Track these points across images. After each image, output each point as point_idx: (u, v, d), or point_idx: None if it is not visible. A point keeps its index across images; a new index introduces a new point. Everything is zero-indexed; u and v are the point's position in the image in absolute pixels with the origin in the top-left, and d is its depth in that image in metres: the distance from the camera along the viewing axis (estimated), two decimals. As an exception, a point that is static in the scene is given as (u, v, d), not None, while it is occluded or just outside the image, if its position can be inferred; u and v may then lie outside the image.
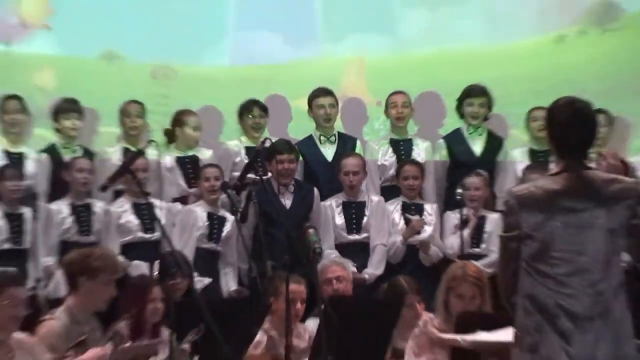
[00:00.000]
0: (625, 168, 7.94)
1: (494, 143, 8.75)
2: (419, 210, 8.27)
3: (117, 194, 8.29)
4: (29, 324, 6.16)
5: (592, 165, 5.45)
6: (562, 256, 4.77)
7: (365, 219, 8.17)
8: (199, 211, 8.05)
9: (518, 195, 4.87)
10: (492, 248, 8.15)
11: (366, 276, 8.12)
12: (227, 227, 8.06)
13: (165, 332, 6.49)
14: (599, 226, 4.79)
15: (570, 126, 4.92)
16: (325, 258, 7.64)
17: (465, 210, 8.00)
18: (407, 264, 8.19)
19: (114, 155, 8.34)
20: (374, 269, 8.13)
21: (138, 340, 6.41)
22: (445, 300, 6.35)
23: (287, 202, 8.07)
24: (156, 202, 7.84)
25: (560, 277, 4.75)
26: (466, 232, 8.06)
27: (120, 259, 7.48)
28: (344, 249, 8.11)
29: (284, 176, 8.04)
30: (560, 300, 4.73)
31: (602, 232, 4.80)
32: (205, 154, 8.49)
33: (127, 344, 6.17)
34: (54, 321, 6.19)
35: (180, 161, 8.32)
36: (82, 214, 7.92)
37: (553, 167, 7.20)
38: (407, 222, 8.42)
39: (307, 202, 8.19)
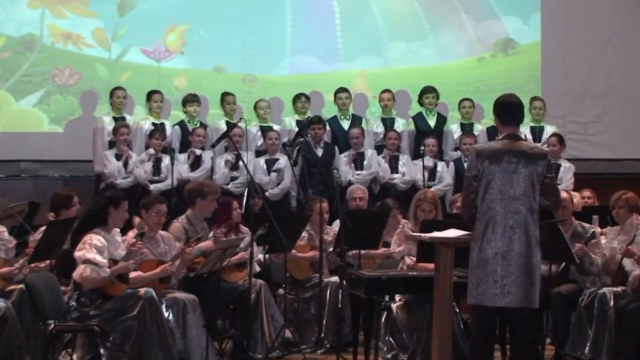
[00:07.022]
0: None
1: (441, 120, 10.66)
2: (396, 159, 10.06)
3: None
4: (165, 225, 7.55)
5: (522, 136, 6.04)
6: (499, 189, 5.62)
7: (365, 161, 10.06)
8: (262, 159, 9.84)
9: (477, 149, 5.80)
10: (442, 181, 9.91)
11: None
12: (280, 164, 9.81)
13: (244, 229, 7.77)
14: (521, 173, 5.60)
15: (508, 110, 5.77)
16: (353, 185, 9.33)
17: (425, 160, 9.74)
18: (393, 192, 9.90)
19: (221, 125, 10.18)
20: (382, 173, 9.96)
21: (229, 236, 7.66)
22: (414, 213, 7.45)
23: (319, 153, 9.89)
24: (243, 153, 9.20)
25: (495, 200, 5.64)
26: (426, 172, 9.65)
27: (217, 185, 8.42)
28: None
29: (316, 137, 9.85)
30: (494, 213, 5.63)
31: (522, 177, 5.59)
32: (273, 125, 10.33)
33: (224, 239, 7.43)
34: (179, 223, 7.61)
35: (261, 129, 10.35)
36: (201, 160, 9.81)
37: (478, 133, 9.71)
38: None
39: (331, 154, 10.01)
